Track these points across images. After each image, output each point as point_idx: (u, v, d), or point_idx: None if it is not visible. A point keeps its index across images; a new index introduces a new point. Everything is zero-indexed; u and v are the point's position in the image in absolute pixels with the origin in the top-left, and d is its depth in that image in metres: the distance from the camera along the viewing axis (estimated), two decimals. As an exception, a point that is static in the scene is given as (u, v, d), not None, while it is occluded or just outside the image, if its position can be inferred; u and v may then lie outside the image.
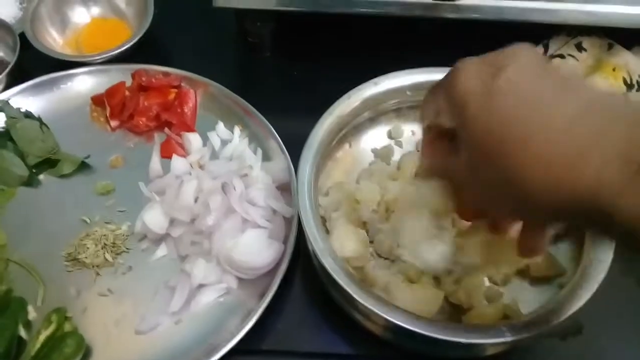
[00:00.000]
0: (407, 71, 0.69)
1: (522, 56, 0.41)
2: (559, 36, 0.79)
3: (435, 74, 0.68)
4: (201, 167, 0.73)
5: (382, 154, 0.71)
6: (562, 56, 0.77)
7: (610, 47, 0.77)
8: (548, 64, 0.43)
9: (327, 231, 0.63)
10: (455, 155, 0.45)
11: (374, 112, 0.71)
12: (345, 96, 0.66)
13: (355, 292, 0.54)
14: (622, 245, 0.39)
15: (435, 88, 0.48)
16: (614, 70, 0.74)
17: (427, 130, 0.51)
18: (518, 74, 0.40)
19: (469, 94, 0.41)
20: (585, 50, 0.77)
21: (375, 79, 0.68)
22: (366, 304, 0.54)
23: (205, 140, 0.77)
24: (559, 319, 0.53)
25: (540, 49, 0.79)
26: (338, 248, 0.60)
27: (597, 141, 0.36)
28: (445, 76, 0.45)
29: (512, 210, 0.44)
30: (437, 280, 0.62)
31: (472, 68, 0.42)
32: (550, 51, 0.78)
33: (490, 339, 0.53)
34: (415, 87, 0.69)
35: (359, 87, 0.67)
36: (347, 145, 0.71)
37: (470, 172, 0.44)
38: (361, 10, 0.74)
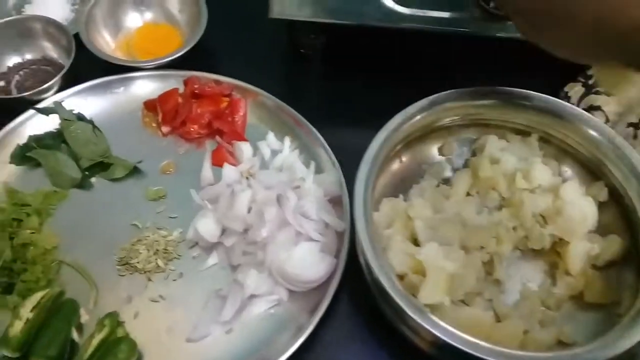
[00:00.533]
0: (462, 90, 0.68)
1: None
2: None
3: (491, 93, 0.69)
4: (251, 176, 0.74)
5: (433, 171, 0.71)
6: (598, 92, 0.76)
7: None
8: None
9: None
10: None
11: (426, 129, 0.71)
12: (402, 112, 0.66)
13: (411, 310, 0.54)
14: None
15: None
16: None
17: None
18: None
19: None
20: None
21: (431, 97, 0.68)
22: (421, 322, 0.54)
23: (255, 150, 0.77)
24: (618, 350, 0.52)
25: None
26: (396, 265, 0.60)
27: None
28: None
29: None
30: (490, 302, 0.62)
31: None
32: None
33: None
34: (470, 106, 0.69)
35: (415, 104, 0.67)
36: (398, 161, 0.71)
37: None
38: (411, 25, 0.74)
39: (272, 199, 0.67)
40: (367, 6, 0.72)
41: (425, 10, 0.73)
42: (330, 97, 0.84)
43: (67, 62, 0.80)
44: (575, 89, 0.77)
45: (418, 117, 0.67)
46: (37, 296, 0.63)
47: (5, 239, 0.68)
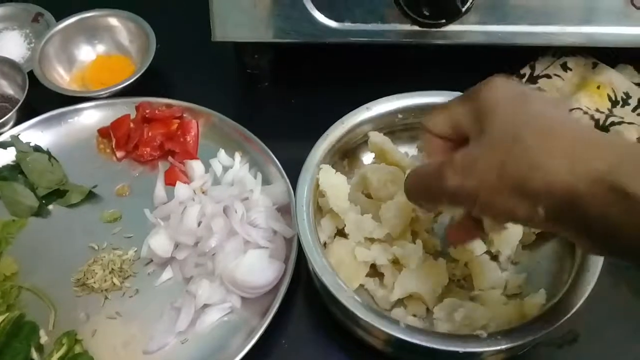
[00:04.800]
0: (397, 96, 0.71)
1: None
2: (545, 57, 0.82)
3: (424, 98, 0.72)
4: (204, 192, 0.76)
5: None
6: (548, 76, 0.80)
7: (594, 65, 0.80)
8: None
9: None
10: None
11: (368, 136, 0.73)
12: (339, 121, 0.69)
13: (355, 307, 0.57)
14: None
15: (452, 102, 0.53)
16: (598, 87, 0.77)
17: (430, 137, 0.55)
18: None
19: (499, 99, 0.48)
20: (570, 69, 0.80)
21: (368, 104, 0.71)
22: (366, 319, 0.56)
23: (208, 167, 0.80)
24: (552, 326, 0.55)
25: (527, 70, 0.82)
26: (335, 266, 0.62)
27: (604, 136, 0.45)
28: (473, 90, 0.50)
29: (513, 205, 0.47)
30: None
31: (503, 81, 0.49)
32: (537, 72, 0.81)
33: (486, 347, 0.55)
34: (406, 111, 0.72)
35: (352, 112, 0.70)
36: (343, 167, 0.74)
37: (481, 164, 0.47)
38: (353, 39, 0.77)
39: (220, 211, 0.69)
40: (300, 24, 0.75)
41: (357, 24, 0.76)
42: (279, 112, 0.88)
43: (22, 98, 0.83)
44: (509, 89, 0.81)
45: (356, 124, 0.70)
46: (-4, 321, 0.65)
47: (-35, 268, 0.70)
